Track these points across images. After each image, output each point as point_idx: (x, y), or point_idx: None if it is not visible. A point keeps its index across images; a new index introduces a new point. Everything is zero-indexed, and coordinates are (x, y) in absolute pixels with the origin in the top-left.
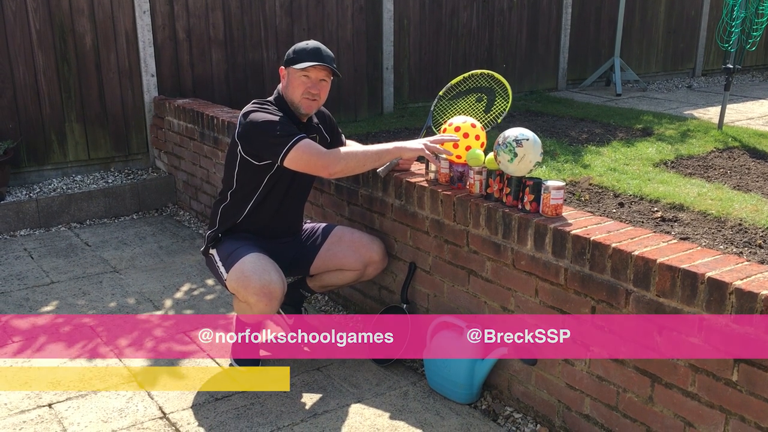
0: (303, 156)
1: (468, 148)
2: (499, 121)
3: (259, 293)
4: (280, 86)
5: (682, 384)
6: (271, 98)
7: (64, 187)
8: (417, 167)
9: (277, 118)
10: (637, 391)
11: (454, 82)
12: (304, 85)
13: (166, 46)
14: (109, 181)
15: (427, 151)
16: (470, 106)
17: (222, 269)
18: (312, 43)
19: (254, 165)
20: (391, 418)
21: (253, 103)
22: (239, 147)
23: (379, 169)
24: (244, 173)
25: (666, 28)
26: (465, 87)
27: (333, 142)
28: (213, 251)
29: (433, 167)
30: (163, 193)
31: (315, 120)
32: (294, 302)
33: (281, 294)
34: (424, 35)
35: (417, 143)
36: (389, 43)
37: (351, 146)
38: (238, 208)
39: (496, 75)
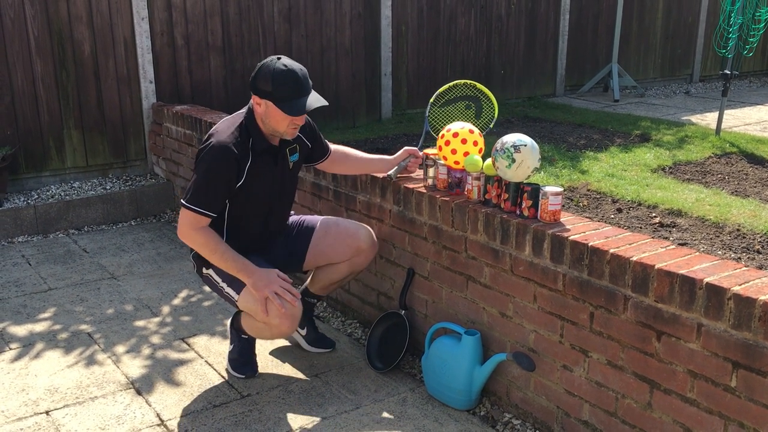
0: (181, 217)
1: (466, 153)
2: (491, 125)
3: (282, 315)
4: (253, 105)
5: (680, 390)
6: (242, 118)
7: (62, 194)
8: (416, 173)
9: (216, 172)
10: (636, 397)
11: (441, 90)
12: (287, 119)
13: (165, 52)
14: (107, 187)
15: (268, 294)
16: (461, 113)
17: (229, 291)
18: (290, 73)
19: None
20: (389, 424)
21: (217, 132)
22: None
23: (391, 171)
24: None
25: (663, 34)
26: (452, 95)
27: (315, 149)
28: (209, 271)
29: (431, 173)
30: (161, 200)
31: None
32: (305, 313)
33: (301, 312)
34: (422, 41)
35: (264, 282)
36: (387, 49)
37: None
38: (216, 230)
39: (478, 85)
